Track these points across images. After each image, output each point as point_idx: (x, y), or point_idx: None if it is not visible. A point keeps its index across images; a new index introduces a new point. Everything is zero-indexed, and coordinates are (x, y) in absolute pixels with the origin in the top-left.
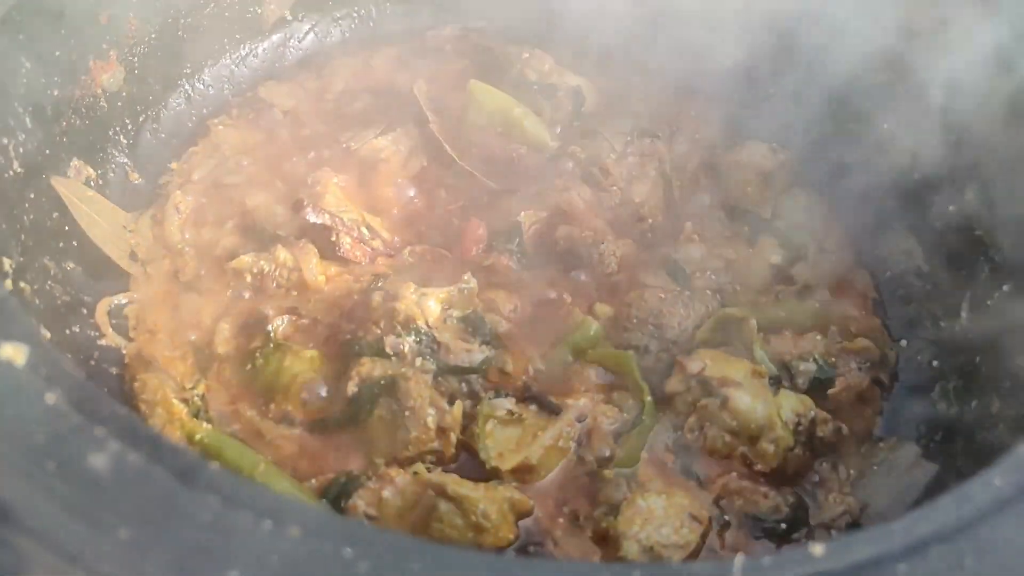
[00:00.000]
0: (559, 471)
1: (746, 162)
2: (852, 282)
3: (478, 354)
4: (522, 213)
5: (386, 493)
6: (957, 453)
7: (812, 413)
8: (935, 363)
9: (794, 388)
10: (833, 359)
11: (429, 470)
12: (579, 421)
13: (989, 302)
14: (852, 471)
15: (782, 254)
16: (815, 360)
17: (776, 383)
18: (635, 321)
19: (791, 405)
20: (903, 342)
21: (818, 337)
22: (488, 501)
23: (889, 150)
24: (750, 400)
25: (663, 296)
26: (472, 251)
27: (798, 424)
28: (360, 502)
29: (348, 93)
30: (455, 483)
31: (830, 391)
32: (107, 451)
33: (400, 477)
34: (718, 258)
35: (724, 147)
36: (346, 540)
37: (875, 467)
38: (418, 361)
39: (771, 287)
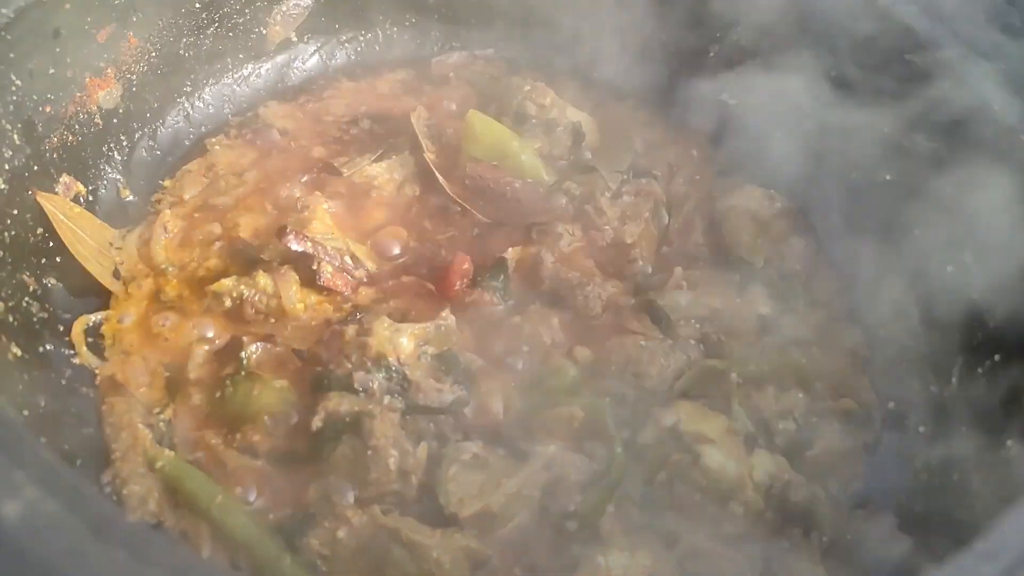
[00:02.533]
0: (521, 521)
1: (742, 207)
2: (842, 338)
3: (448, 395)
4: (509, 250)
5: (341, 534)
6: (933, 528)
7: (787, 476)
8: (921, 429)
9: (772, 447)
10: (815, 419)
11: (388, 511)
12: (546, 469)
13: (980, 370)
14: (825, 538)
15: (771, 305)
16: (795, 420)
17: (753, 442)
18: (613, 368)
19: (765, 466)
20: (891, 404)
21: (800, 395)
22: (442, 549)
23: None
24: (722, 459)
25: (644, 344)
26: (455, 285)
27: (771, 487)
28: (315, 541)
29: (348, 117)
30: (410, 529)
31: (808, 452)
32: (22, 498)
33: (356, 518)
34: (704, 307)
35: (721, 190)
36: None
37: (848, 536)
38: (386, 399)
39: (758, 339)
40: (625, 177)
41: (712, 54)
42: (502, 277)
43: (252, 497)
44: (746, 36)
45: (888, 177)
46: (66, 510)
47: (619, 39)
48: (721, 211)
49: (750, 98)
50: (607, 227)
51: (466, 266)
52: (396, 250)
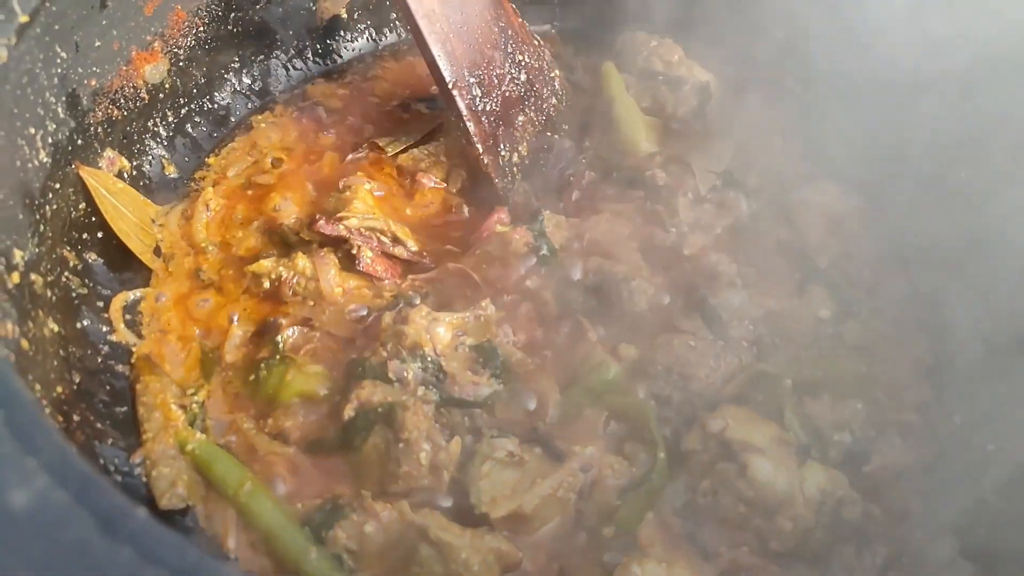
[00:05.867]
0: (555, 523)
1: (815, 202)
2: (907, 347)
3: (485, 388)
4: (553, 221)
5: (369, 528)
6: (999, 558)
7: (840, 492)
8: (990, 447)
9: (825, 460)
10: (873, 432)
11: (418, 507)
12: (583, 471)
13: None
14: (879, 560)
15: (833, 308)
16: (851, 432)
17: (805, 453)
18: (660, 368)
19: (817, 480)
20: (956, 419)
21: (859, 405)
22: (472, 550)
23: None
24: (771, 470)
25: (693, 344)
26: (489, 230)
27: (823, 503)
28: (342, 534)
29: (397, 99)
30: (439, 527)
31: (865, 467)
32: (32, 487)
33: (386, 512)
34: (759, 307)
35: (796, 181)
36: None
37: (904, 559)
38: (421, 390)
39: (815, 343)
40: (716, 184)
41: None
42: (540, 222)
43: (280, 485)
44: None
45: (965, 179)
46: (75, 501)
47: None
48: (792, 204)
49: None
50: (673, 229)
51: (504, 216)
52: (442, 234)
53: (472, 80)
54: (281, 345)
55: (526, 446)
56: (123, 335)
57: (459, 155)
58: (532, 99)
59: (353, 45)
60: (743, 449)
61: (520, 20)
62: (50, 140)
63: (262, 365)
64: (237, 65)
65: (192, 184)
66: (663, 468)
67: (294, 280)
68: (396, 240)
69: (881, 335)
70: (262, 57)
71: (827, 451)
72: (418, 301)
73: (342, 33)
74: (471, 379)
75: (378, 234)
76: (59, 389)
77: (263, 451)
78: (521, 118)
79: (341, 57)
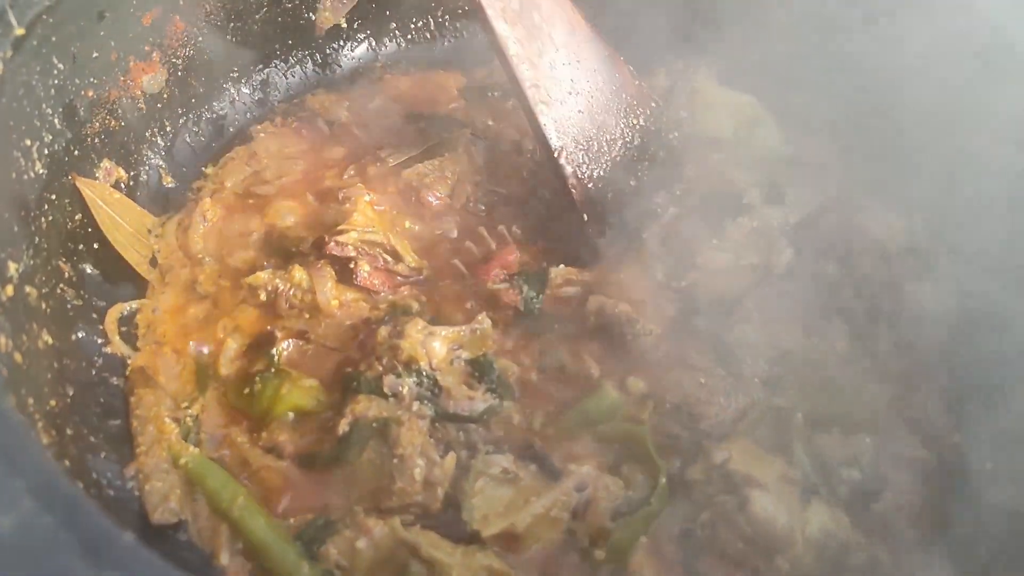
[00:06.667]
0: (548, 542)
1: (866, 229)
2: (926, 383)
3: (480, 403)
4: (561, 267)
5: (360, 544)
6: None
7: (844, 536)
8: (1011, 494)
9: (833, 498)
10: (883, 467)
11: (411, 523)
12: (578, 491)
13: None
14: None
15: (851, 341)
16: (861, 468)
17: (811, 492)
18: (668, 406)
19: (821, 522)
20: (989, 465)
21: (867, 439)
22: (462, 568)
23: None
24: (772, 507)
25: (703, 381)
26: (493, 271)
27: (825, 546)
28: (333, 550)
29: (399, 110)
30: (430, 544)
31: (875, 505)
32: (17, 511)
33: (378, 528)
34: (775, 346)
35: (852, 209)
36: None
37: None
38: (416, 405)
39: (831, 381)
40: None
41: None
42: (536, 292)
43: (273, 499)
44: None
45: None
46: (60, 526)
47: None
48: (844, 229)
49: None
50: (694, 273)
51: (512, 257)
52: (442, 250)
53: (580, 147)
54: (276, 358)
55: (521, 463)
56: (118, 347)
57: (466, 171)
58: (645, 162)
59: (353, 55)
60: (745, 483)
61: (637, 82)
62: (46, 151)
63: (257, 378)
64: (236, 75)
65: (189, 194)
66: (663, 493)
67: (290, 292)
68: (395, 255)
69: (901, 369)
70: (261, 67)
71: (835, 487)
72: (415, 309)
73: (341, 43)
74: (467, 394)
75: (377, 248)
76: (52, 402)
77: (256, 465)
78: (633, 182)
79: (341, 67)
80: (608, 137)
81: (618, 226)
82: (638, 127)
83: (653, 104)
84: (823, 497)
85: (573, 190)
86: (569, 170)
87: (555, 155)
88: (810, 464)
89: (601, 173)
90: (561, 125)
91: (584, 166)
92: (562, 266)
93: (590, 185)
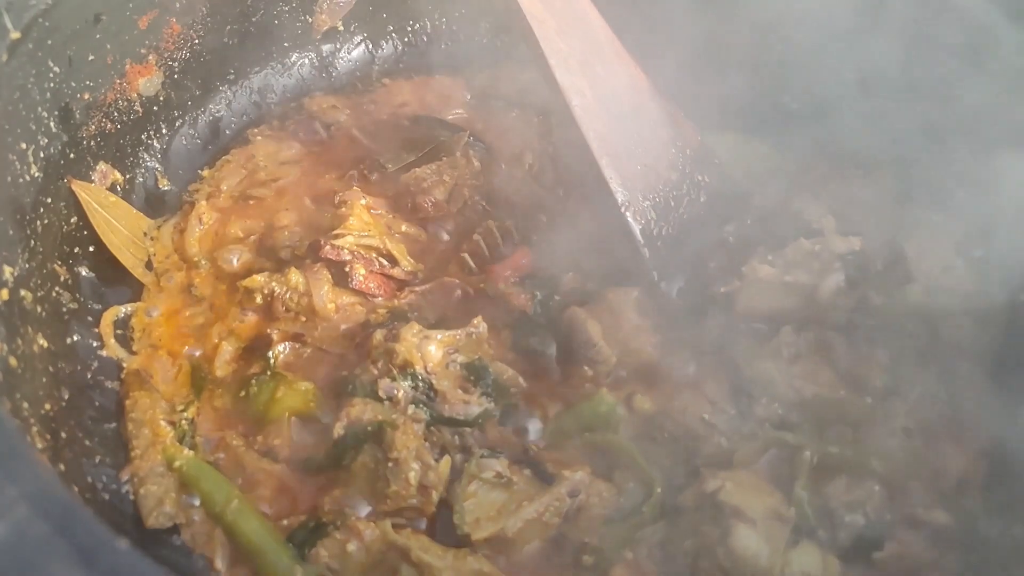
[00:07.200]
0: (540, 545)
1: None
2: (959, 436)
3: (475, 407)
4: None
5: (351, 547)
6: None
7: None
8: None
9: (831, 542)
10: (889, 515)
11: (403, 526)
12: (571, 496)
13: None
14: None
15: (881, 383)
16: (865, 514)
17: (804, 532)
18: (666, 435)
19: (805, 565)
20: (1009, 540)
21: (877, 488)
22: (453, 571)
23: None
24: (754, 543)
25: (707, 418)
26: (505, 272)
27: None
28: (324, 552)
29: (396, 113)
30: (421, 548)
31: (876, 554)
32: (11, 518)
33: (368, 531)
34: (797, 390)
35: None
36: None
37: None
38: (411, 409)
39: (849, 435)
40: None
41: None
42: (548, 297)
43: (268, 502)
44: None
45: None
46: (55, 533)
47: None
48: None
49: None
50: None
51: (524, 261)
52: (438, 255)
53: (648, 203)
54: (272, 361)
55: (515, 467)
56: (114, 350)
57: (464, 175)
58: (713, 221)
59: (349, 57)
60: (733, 514)
61: (700, 139)
62: (42, 155)
63: (252, 381)
64: (232, 77)
65: (186, 197)
66: (656, 504)
67: (287, 295)
68: (391, 259)
69: (929, 419)
70: (257, 69)
71: (836, 531)
72: (413, 316)
73: (338, 46)
74: (461, 397)
75: (373, 252)
76: (47, 406)
77: (252, 468)
78: (698, 242)
79: (337, 69)
80: (675, 193)
81: (690, 290)
82: (703, 184)
83: (716, 161)
84: (818, 539)
85: (644, 249)
86: (638, 227)
87: (621, 209)
88: (810, 504)
89: (670, 231)
90: (627, 179)
91: (653, 222)
92: (570, 274)
93: (659, 244)
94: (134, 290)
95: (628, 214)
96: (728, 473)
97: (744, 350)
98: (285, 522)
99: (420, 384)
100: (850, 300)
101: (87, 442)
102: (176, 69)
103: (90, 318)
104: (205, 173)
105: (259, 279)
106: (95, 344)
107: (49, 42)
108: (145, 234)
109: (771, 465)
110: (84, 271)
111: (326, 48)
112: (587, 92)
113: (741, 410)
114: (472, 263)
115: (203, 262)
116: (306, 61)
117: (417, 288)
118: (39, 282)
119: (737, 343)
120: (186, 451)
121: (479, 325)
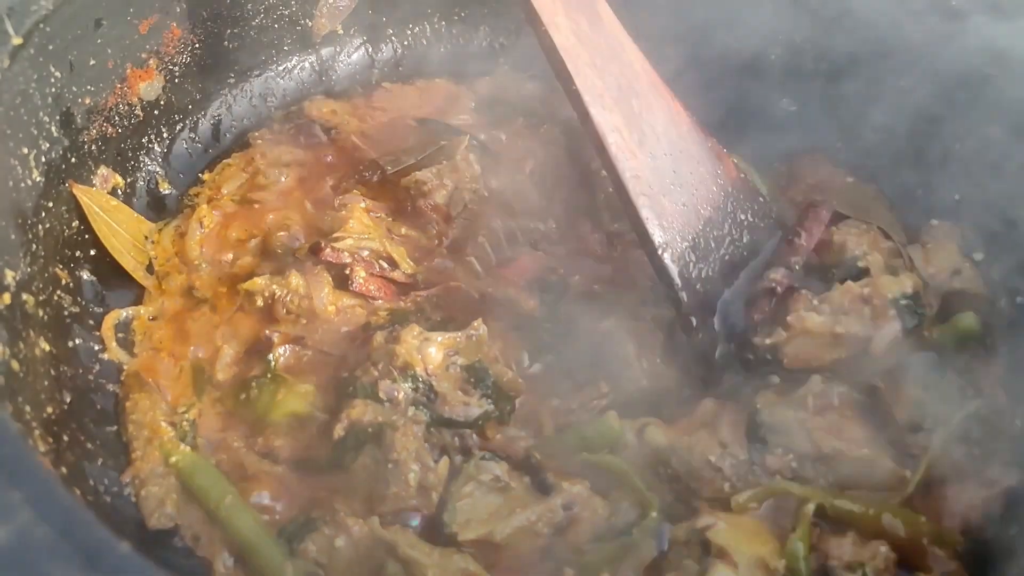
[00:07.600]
0: (530, 552)
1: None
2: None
3: (475, 408)
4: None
5: (339, 542)
6: None
7: None
8: None
9: None
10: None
11: (389, 524)
12: (565, 509)
13: None
14: None
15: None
16: (865, 573)
17: None
18: (669, 471)
19: None
20: None
21: (883, 549)
22: (439, 569)
23: None
24: None
25: (713, 460)
26: (522, 276)
27: None
28: (312, 547)
29: (396, 116)
30: (408, 544)
31: None
32: (15, 522)
33: (356, 527)
34: (814, 447)
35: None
36: None
37: None
38: (411, 410)
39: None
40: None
41: None
42: (557, 298)
43: (267, 502)
44: None
45: None
46: (59, 536)
47: None
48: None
49: None
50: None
51: (531, 264)
52: (438, 260)
53: (686, 244)
54: (273, 363)
55: (515, 473)
56: (115, 353)
57: (465, 179)
58: (756, 262)
59: (349, 61)
60: (717, 555)
61: (743, 176)
62: (43, 159)
63: (253, 383)
64: (233, 81)
65: (186, 201)
66: (647, 529)
67: (287, 298)
68: (391, 261)
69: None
70: (258, 73)
71: None
72: (419, 320)
73: (338, 50)
74: (461, 399)
75: (373, 255)
76: (49, 409)
77: (252, 470)
78: (741, 285)
79: (337, 73)
80: (716, 234)
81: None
82: (745, 223)
83: (760, 199)
84: None
85: (682, 293)
86: (676, 270)
87: (658, 252)
88: (804, 560)
89: (710, 273)
90: (665, 219)
91: (692, 265)
92: (576, 277)
93: (699, 287)
94: (135, 293)
95: (666, 256)
96: (727, 515)
97: (765, 395)
98: (277, 516)
99: (420, 386)
100: (904, 346)
101: (89, 445)
102: (177, 73)
103: (91, 321)
104: (206, 176)
105: (260, 282)
106: (97, 347)
107: (50, 47)
108: (146, 237)
109: (775, 513)
110: (85, 275)
111: (326, 52)
112: (623, 129)
113: (753, 456)
114: (478, 266)
115: (204, 265)
116: (306, 65)
117: (423, 292)
118: (41, 286)
119: (759, 385)
120: (182, 447)
121: (479, 327)
